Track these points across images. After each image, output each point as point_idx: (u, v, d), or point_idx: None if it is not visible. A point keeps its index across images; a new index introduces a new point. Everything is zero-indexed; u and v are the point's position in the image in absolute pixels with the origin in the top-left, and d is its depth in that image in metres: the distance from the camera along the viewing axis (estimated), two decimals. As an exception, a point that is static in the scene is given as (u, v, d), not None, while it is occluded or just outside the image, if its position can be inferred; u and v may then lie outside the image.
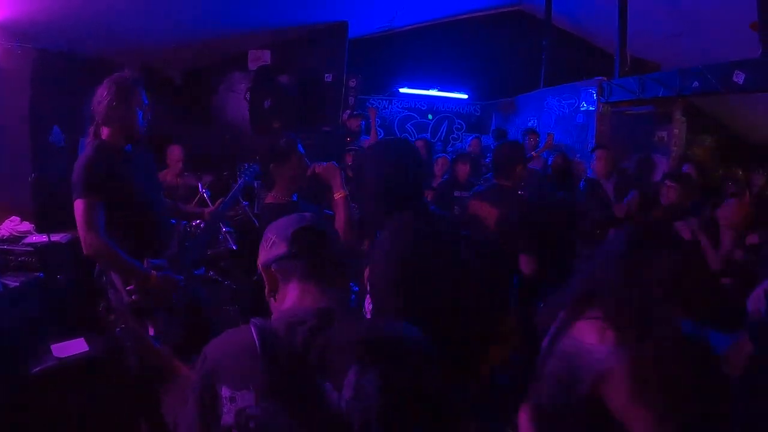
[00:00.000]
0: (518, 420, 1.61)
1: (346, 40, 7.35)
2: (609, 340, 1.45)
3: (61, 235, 4.12)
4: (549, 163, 6.58)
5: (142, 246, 2.65)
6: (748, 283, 3.73)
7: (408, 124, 9.94)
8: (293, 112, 6.70)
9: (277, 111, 6.64)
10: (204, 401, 1.22)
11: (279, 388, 1.17)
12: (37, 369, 3.04)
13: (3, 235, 4.05)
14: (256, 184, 5.70)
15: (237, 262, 4.81)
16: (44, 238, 3.97)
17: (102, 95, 2.63)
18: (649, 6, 6.49)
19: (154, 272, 2.57)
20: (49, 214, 4.08)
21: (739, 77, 4.31)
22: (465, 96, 10.07)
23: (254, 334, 1.19)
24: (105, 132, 2.66)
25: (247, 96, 6.98)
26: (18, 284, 3.63)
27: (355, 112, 7.63)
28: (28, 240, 4.04)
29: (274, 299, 1.40)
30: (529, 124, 8.19)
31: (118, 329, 1.48)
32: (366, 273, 2.11)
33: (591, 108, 6.73)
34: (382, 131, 9.42)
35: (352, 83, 7.89)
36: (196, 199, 4.81)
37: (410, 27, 9.39)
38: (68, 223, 2.55)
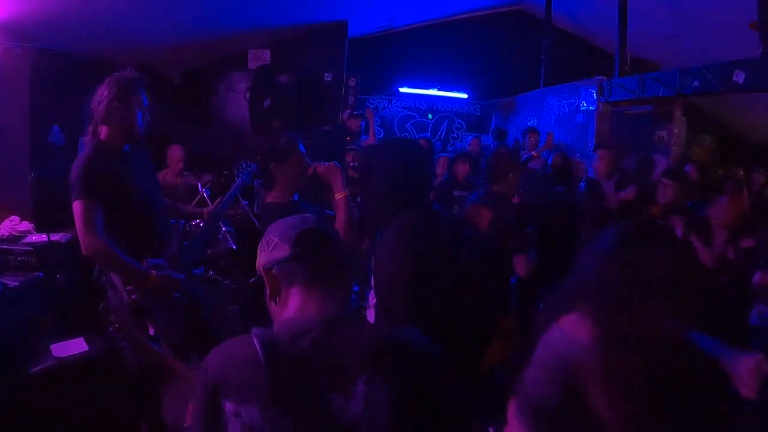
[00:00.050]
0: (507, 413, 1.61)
1: (345, 40, 7.35)
2: (591, 334, 1.46)
3: (61, 234, 4.11)
4: (549, 162, 6.58)
5: (141, 246, 2.65)
6: (743, 284, 3.74)
7: (408, 124, 9.94)
8: (293, 111, 6.70)
9: (277, 110, 6.64)
10: (208, 415, 1.19)
11: (285, 402, 1.13)
12: (37, 369, 3.03)
13: (2, 235, 4.05)
14: (256, 183, 5.70)
15: (237, 262, 4.81)
16: (44, 237, 3.97)
17: (102, 95, 2.63)
18: (649, 6, 6.49)
19: (153, 272, 2.57)
20: (49, 213, 4.08)
21: (739, 77, 4.30)
22: (465, 95, 10.07)
23: (257, 346, 1.15)
24: (104, 131, 2.66)
25: (247, 95, 6.98)
26: (17, 284, 3.62)
27: (355, 113, 7.63)
28: (27, 239, 4.04)
29: (275, 303, 1.35)
30: (529, 124, 8.18)
31: (111, 328, 1.45)
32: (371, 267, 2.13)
33: (591, 107, 6.73)
34: (381, 131, 9.43)
35: (352, 83, 7.88)
36: (197, 198, 4.81)
37: (410, 26, 9.39)
38: (68, 223, 2.55)
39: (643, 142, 7.31)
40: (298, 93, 6.84)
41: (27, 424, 2.96)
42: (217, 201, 3.27)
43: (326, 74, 7.30)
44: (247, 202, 4.70)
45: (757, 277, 3.61)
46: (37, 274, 3.84)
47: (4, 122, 4.24)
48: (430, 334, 1.31)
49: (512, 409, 1.56)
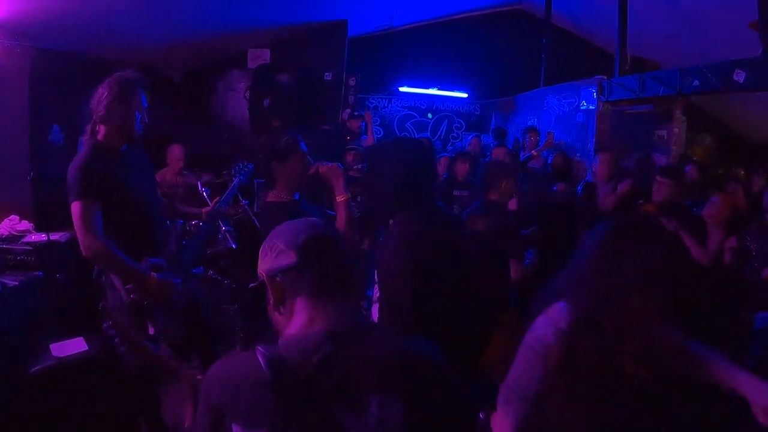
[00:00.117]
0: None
1: (345, 39, 7.35)
2: (567, 321, 1.48)
3: (61, 234, 4.11)
4: (549, 161, 6.59)
5: (140, 246, 2.65)
6: (737, 283, 3.75)
7: (408, 123, 9.94)
8: (293, 110, 6.70)
9: (277, 110, 6.64)
10: None
11: (295, 425, 1.07)
12: (36, 368, 3.03)
13: (2, 234, 4.04)
14: (255, 183, 5.70)
15: (237, 261, 4.81)
16: (43, 237, 3.96)
17: (102, 94, 2.62)
18: (649, 5, 6.48)
19: (153, 274, 2.57)
20: (49, 213, 4.07)
21: (739, 76, 4.30)
22: (465, 95, 10.06)
23: (263, 365, 1.09)
24: (102, 131, 2.65)
25: (247, 95, 6.98)
26: (17, 283, 3.62)
27: (355, 114, 7.63)
28: (27, 239, 4.03)
29: (280, 313, 1.26)
30: (529, 123, 8.18)
31: (105, 325, 1.41)
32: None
33: (591, 107, 6.72)
34: (381, 130, 9.43)
35: (352, 82, 7.88)
36: (198, 198, 4.82)
37: (410, 26, 9.38)
38: (67, 222, 2.55)
39: (643, 142, 7.31)
40: (297, 92, 6.84)
41: (27, 423, 2.96)
42: (215, 201, 3.27)
43: (326, 73, 7.30)
44: (247, 202, 4.69)
45: (766, 273, 3.66)
46: (37, 273, 3.83)
47: (3, 122, 4.23)
48: (433, 329, 1.32)
49: (500, 395, 1.57)
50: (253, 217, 4.51)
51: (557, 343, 1.46)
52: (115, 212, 2.57)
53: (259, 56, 7.18)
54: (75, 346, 3.18)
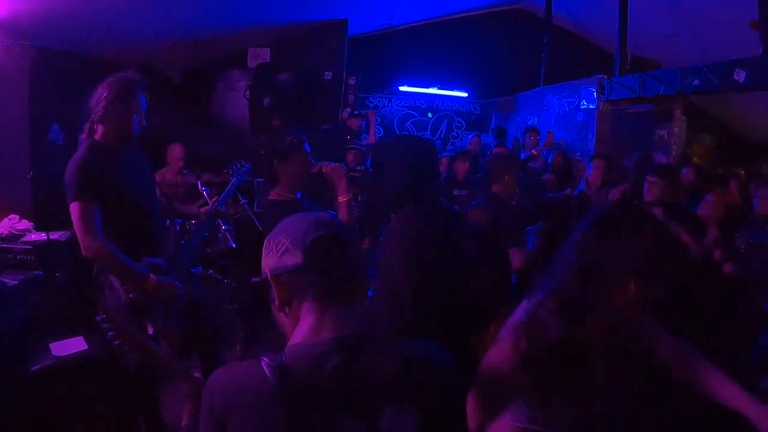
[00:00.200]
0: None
1: (345, 38, 7.34)
2: (538, 309, 1.49)
3: (60, 233, 4.11)
4: (549, 161, 6.59)
5: (139, 246, 2.64)
6: (734, 281, 3.77)
7: (408, 123, 9.93)
8: (293, 110, 6.69)
9: (277, 109, 6.63)
10: None
11: None
12: (36, 368, 3.03)
13: (2, 233, 4.04)
14: (255, 182, 5.70)
15: (237, 261, 4.81)
16: (43, 236, 3.96)
17: (102, 94, 2.61)
18: (650, 5, 6.48)
19: (152, 276, 2.56)
20: (48, 212, 4.07)
21: (739, 75, 4.30)
22: (465, 94, 10.06)
23: (269, 376, 1.04)
24: (99, 131, 2.64)
25: (247, 94, 6.98)
26: (17, 283, 3.62)
27: (356, 112, 7.63)
28: (26, 238, 4.03)
29: (285, 314, 1.19)
30: (529, 123, 8.18)
31: (97, 318, 1.36)
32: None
33: (591, 106, 6.73)
34: (381, 129, 9.42)
35: (352, 81, 7.88)
36: (199, 199, 4.81)
37: (410, 25, 9.38)
38: (67, 222, 2.54)
39: (643, 141, 7.31)
40: (297, 92, 6.83)
41: (26, 423, 2.96)
42: (213, 200, 3.26)
43: (326, 73, 7.29)
44: (246, 201, 4.69)
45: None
46: (37, 272, 3.83)
47: (3, 121, 4.23)
48: (432, 325, 1.31)
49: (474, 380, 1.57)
50: (253, 217, 4.51)
51: (526, 331, 1.46)
52: (114, 212, 2.57)
53: (259, 55, 7.17)
54: (75, 345, 3.18)
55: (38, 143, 4.43)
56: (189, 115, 7.04)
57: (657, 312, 1.60)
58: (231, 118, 7.28)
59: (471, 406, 1.47)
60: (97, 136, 2.64)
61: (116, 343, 1.36)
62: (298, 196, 2.84)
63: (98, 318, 1.35)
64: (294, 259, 1.13)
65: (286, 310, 1.18)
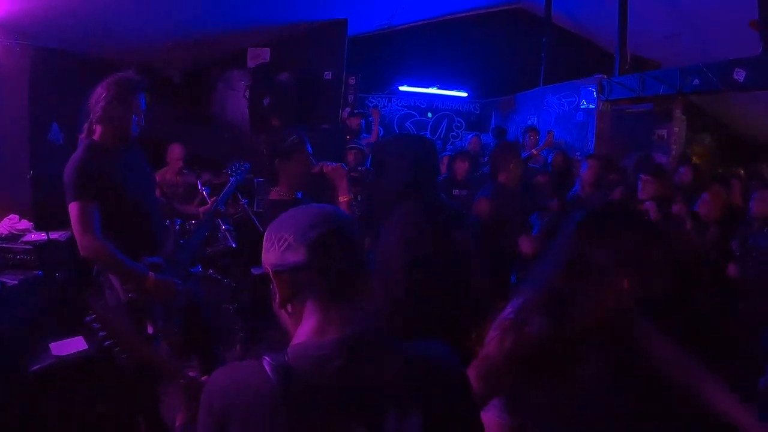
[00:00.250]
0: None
1: (345, 38, 7.34)
2: (524, 306, 1.49)
3: (60, 233, 4.11)
4: (549, 161, 6.59)
5: (138, 245, 2.64)
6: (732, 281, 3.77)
7: (407, 122, 9.94)
8: (292, 109, 6.69)
9: (277, 109, 6.63)
10: None
11: None
12: (36, 367, 3.03)
13: (1, 233, 4.04)
14: (255, 181, 5.70)
15: (237, 260, 4.81)
16: (43, 236, 3.96)
17: (101, 95, 2.60)
18: (649, 5, 6.48)
19: (151, 274, 2.56)
20: (48, 212, 4.07)
21: (739, 75, 4.30)
22: (465, 94, 10.06)
23: (272, 376, 1.01)
24: (98, 131, 2.64)
25: (247, 94, 6.97)
26: (17, 282, 3.62)
27: (355, 111, 7.62)
28: (26, 238, 4.03)
29: (287, 311, 1.15)
30: (529, 122, 8.18)
31: (87, 318, 1.34)
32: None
33: (591, 106, 6.73)
34: (381, 129, 9.42)
35: (352, 81, 7.88)
36: (198, 198, 4.82)
37: (410, 25, 9.38)
38: (67, 222, 2.54)
39: (643, 141, 7.31)
40: (297, 91, 6.82)
41: (26, 422, 2.96)
42: (211, 201, 3.26)
43: (326, 72, 7.29)
44: (246, 200, 4.69)
45: (731, 269, 3.70)
46: (36, 272, 3.83)
47: (3, 121, 4.23)
48: (428, 319, 1.31)
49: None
50: (253, 216, 4.51)
51: (511, 328, 1.46)
52: (113, 212, 2.56)
53: (259, 55, 7.17)
54: (74, 345, 3.19)
55: (38, 143, 4.43)
56: (189, 115, 7.04)
57: (657, 311, 1.60)
58: (231, 118, 7.28)
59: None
60: (95, 137, 2.64)
61: (107, 343, 1.34)
62: (299, 196, 2.85)
63: (88, 318, 1.33)
64: (297, 256, 1.08)
65: (288, 307, 1.14)
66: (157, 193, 3.18)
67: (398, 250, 2.08)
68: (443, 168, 6.55)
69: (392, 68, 9.53)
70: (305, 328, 1.10)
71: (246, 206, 4.59)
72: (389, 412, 1.03)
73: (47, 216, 4.09)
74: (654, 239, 1.45)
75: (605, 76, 6.36)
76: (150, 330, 2.57)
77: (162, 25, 5.33)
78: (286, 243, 1.10)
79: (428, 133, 9.86)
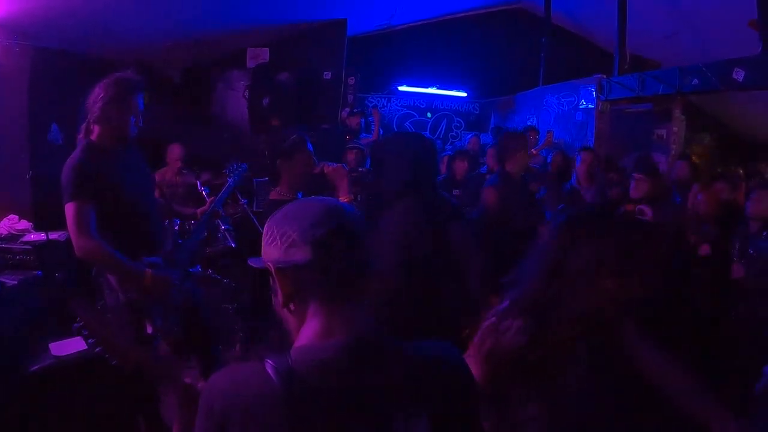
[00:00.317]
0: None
1: (345, 38, 7.35)
2: (505, 309, 1.50)
3: (60, 233, 4.10)
4: (548, 160, 6.58)
5: (137, 245, 2.63)
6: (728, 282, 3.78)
7: (407, 123, 9.94)
8: (292, 109, 6.69)
9: (276, 109, 6.64)
10: None
11: None
12: (36, 368, 3.03)
13: (1, 234, 4.04)
14: (255, 181, 5.70)
15: (236, 261, 4.81)
16: (42, 236, 3.96)
17: (99, 95, 2.59)
18: (649, 5, 6.48)
19: (149, 270, 2.55)
20: (48, 212, 4.07)
21: (738, 75, 4.30)
22: (464, 94, 10.07)
23: (274, 379, 0.97)
24: (95, 131, 2.63)
25: (246, 94, 6.98)
26: (16, 283, 3.62)
27: (355, 110, 7.62)
28: (26, 238, 4.03)
29: (290, 311, 1.10)
30: (528, 122, 8.18)
31: (75, 325, 1.32)
32: None
33: (590, 106, 6.73)
34: (380, 129, 9.42)
35: (351, 81, 7.89)
36: (198, 198, 4.82)
37: (409, 25, 9.39)
38: (66, 222, 2.54)
39: (642, 141, 7.31)
40: (297, 91, 6.83)
41: (26, 422, 2.96)
42: (209, 201, 3.26)
43: (325, 72, 7.30)
44: (246, 200, 4.69)
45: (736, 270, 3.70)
46: (36, 272, 3.83)
47: (2, 121, 4.23)
48: (421, 312, 1.30)
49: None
50: (253, 216, 4.51)
51: (490, 334, 1.46)
52: (111, 212, 2.56)
53: (259, 55, 7.17)
54: (74, 345, 3.18)
55: (38, 143, 4.43)
56: (188, 115, 7.05)
57: (655, 312, 1.59)
58: (230, 118, 7.29)
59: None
60: (93, 137, 2.63)
61: (97, 350, 1.33)
62: (299, 196, 2.85)
63: (76, 325, 1.32)
64: (301, 254, 1.03)
65: (291, 306, 1.09)
66: (156, 193, 3.17)
67: (393, 246, 2.09)
68: (443, 168, 6.56)
69: (391, 68, 9.53)
70: (308, 330, 1.06)
71: (246, 206, 4.59)
72: (395, 416, 1.00)
73: (47, 216, 4.09)
74: (637, 241, 1.44)
75: (605, 76, 6.36)
76: (149, 330, 2.57)
77: (162, 25, 5.33)
78: (290, 240, 1.05)
79: (428, 133, 9.85)
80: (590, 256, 1.41)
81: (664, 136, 7.23)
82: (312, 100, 7.11)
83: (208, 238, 4.58)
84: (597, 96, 6.49)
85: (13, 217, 4.20)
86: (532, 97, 8.40)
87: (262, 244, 1.11)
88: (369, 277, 1.10)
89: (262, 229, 1.12)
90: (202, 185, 4.46)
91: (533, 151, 6.58)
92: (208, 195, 4.31)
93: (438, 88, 9.94)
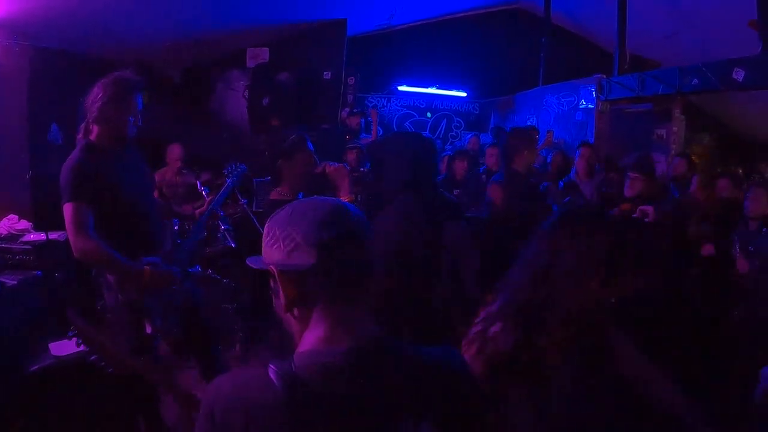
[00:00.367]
0: None
1: (344, 38, 7.35)
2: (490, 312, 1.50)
3: (59, 233, 4.10)
4: (548, 160, 6.59)
5: (136, 245, 2.63)
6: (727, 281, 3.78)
7: (407, 122, 9.94)
8: (292, 109, 6.70)
9: (276, 109, 6.64)
10: None
11: None
12: (35, 368, 3.03)
13: (1, 234, 4.04)
14: (255, 181, 5.70)
15: (236, 260, 4.81)
16: (42, 236, 3.96)
17: (97, 95, 2.58)
18: (649, 5, 6.48)
19: (147, 267, 2.54)
20: (47, 212, 4.06)
21: (738, 75, 4.30)
22: (464, 94, 10.06)
23: (277, 385, 0.95)
24: (94, 131, 2.63)
25: (246, 94, 6.98)
26: (16, 283, 3.62)
27: (355, 110, 7.62)
28: (26, 238, 4.03)
29: (293, 314, 1.07)
30: (528, 122, 8.18)
31: (69, 333, 1.31)
32: None
33: (590, 106, 6.73)
34: (380, 129, 9.42)
35: (351, 81, 7.89)
36: (198, 198, 4.82)
37: (409, 25, 9.38)
38: (66, 222, 2.54)
39: (642, 141, 7.31)
40: (297, 91, 6.83)
41: (26, 423, 2.96)
42: (207, 202, 3.26)
43: (325, 72, 7.30)
44: (246, 200, 4.69)
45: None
46: (36, 272, 3.83)
47: (2, 121, 4.23)
48: (411, 309, 1.30)
49: None
50: (252, 216, 4.51)
51: (477, 338, 1.45)
52: (110, 212, 2.55)
53: (258, 55, 7.18)
54: (74, 345, 3.18)
55: (37, 143, 4.43)
56: (188, 114, 7.04)
57: (655, 312, 1.58)
58: (230, 118, 7.29)
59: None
60: (92, 137, 2.63)
61: (93, 358, 1.32)
62: (300, 196, 2.85)
63: (71, 334, 1.31)
64: (306, 258, 1.00)
65: (295, 311, 1.06)
66: (156, 194, 3.17)
67: (387, 243, 2.09)
68: (443, 168, 6.56)
69: (391, 68, 9.52)
70: (312, 335, 1.03)
71: (245, 206, 4.59)
72: (399, 422, 0.98)
73: (46, 216, 4.08)
74: (627, 240, 1.43)
75: (604, 76, 6.36)
76: (148, 330, 2.56)
77: (162, 25, 5.33)
78: (294, 242, 1.02)
79: (427, 133, 9.85)
80: (578, 256, 1.39)
81: (664, 136, 7.23)
82: (312, 100, 7.11)
83: (208, 238, 4.58)
84: (597, 96, 6.49)
85: (13, 217, 4.20)
86: (532, 97, 8.39)
87: (263, 245, 1.08)
88: (373, 280, 1.08)
89: (262, 229, 1.11)
90: (202, 185, 4.46)
91: (534, 149, 6.58)
92: (208, 195, 4.31)
93: (438, 88, 9.93)
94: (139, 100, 2.70)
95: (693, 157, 6.71)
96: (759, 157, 8.14)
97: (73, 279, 4.01)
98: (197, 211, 3.35)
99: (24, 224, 4.18)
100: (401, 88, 9.77)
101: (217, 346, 3.28)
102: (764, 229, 3.80)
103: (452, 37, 9.39)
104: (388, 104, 9.82)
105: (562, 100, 7.44)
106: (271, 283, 1.09)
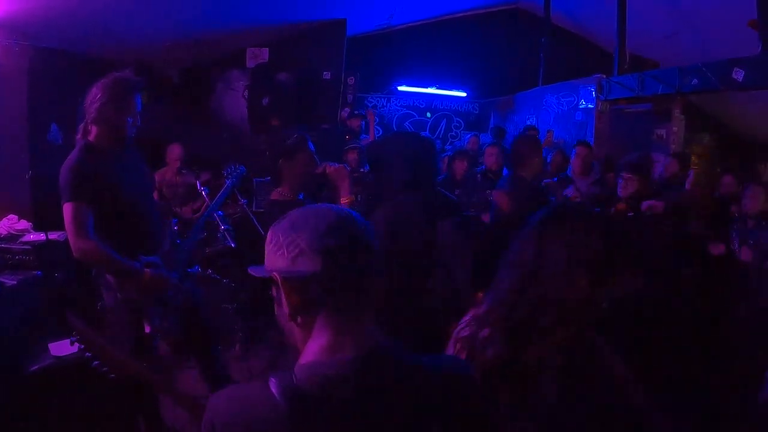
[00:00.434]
0: None
1: (344, 38, 7.35)
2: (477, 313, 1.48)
3: (59, 233, 4.10)
4: (548, 160, 6.59)
5: (135, 245, 2.63)
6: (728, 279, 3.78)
7: (407, 122, 9.94)
8: (291, 109, 6.70)
9: (276, 109, 6.64)
10: None
11: None
12: (35, 368, 3.03)
13: (1, 234, 4.04)
14: (255, 181, 5.70)
15: (236, 260, 4.81)
16: (42, 236, 3.96)
17: (96, 95, 2.57)
18: (649, 5, 6.48)
19: (147, 270, 2.55)
20: (47, 212, 4.06)
21: (738, 74, 4.30)
22: (464, 94, 10.06)
23: (280, 400, 0.92)
24: (93, 132, 2.63)
25: (246, 94, 6.98)
26: (15, 283, 3.61)
27: (355, 112, 7.63)
28: (25, 238, 4.03)
29: (297, 323, 1.04)
30: (528, 122, 8.18)
31: (71, 338, 1.30)
32: None
33: (590, 106, 6.73)
34: (380, 129, 9.43)
35: (351, 81, 7.89)
36: (198, 198, 4.82)
37: (409, 25, 9.38)
38: (66, 222, 2.54)
39: (642, 141, 7.32)
40: (296, 91, 6.84)
41: (26, 423, 2.96)
42: (205, 206, 3.26)
43: (325, 72, 7.30)
44: (245, 201, 4.69)
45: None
46: (35, 273, 3.83)
47: (2, 121, 4.23)
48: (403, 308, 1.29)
49: None
50: (252, 216, 4.52)
51: (464, 345, 1.44)
52: (109, 212, 2.55)
53: (258, 55, 7.18)
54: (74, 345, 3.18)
55: (37, 143, 4.43)
56: (188, 114, 7.05)
57: (655, 312, 1.58)
58: (230, 118, 7.29)
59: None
60: (91, 137, 2.62)
61: (95, 363, 1.32)
62: (300, 197, 2.85)
63: (71, 338, 1.31)
64: (311, 265, 0.98)
65: (299, 319, 1.03)
66: (156, 194, 3.17)
67: (384, 242, 2.11)
68: (443, 168, 6.56)
69: (391, 68, 9.52)
70: (315, 344, 1.01)
71: (245, 206, 4.59)
72: None
73: (46, 216, 4.08)
74: (613, 237, 1.41)
75: (604, 76, 6.36)
76: (147, 329, 2.56)
77: (162, 25, 5.33)
78: (298, 249, 0.99)
79: (427, 133, 9.85)
80: (567, 253, 1.37)
81: (664, 136, 7.24)
82: (312, 100, 7.11)
83: (208, 238, 4.58)
84: (597, 96, 6.49)
85: (13, 217, 4.20)
86: (532, 97, 8.40)
87: (266, 252, 1.06)
88: (377, 285, 1.05)
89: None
90: (201, 185, 4.46)
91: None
92: (208, 195, 4.30)
93: (437, 88, 9.94)
94: (139, 101, 2.70)
95: (693, 157, 6.72)
96: (759, 157, 8.14)
97: (73, 279, 4.00)
98: (195, 216, 3.35)
99: (24, 224, 4.18)
100: (401, 88, 9.77)
101: (217, 346, 3.28)
102: (764, 222, 3.82)
103: (452, 37, 9.39)
104: (388, 104, 9.82)
105: (562, 100, 7.44)
106: (274, 292, 1.06)
